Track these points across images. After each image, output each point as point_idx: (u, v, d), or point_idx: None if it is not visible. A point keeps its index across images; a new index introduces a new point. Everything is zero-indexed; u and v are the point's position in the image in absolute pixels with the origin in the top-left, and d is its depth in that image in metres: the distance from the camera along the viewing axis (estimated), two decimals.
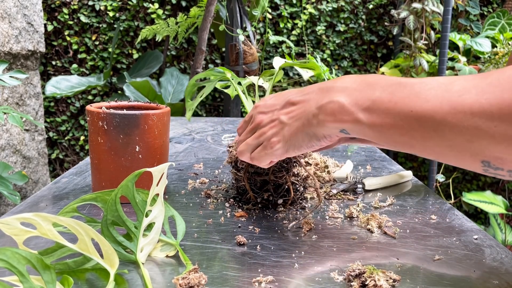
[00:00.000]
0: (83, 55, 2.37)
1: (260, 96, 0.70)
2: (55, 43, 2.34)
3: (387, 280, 0.43)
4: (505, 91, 0.35)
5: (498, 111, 0.35)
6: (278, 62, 0.74)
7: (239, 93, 0.70)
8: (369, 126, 0.43)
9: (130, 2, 2.35)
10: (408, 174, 0.83)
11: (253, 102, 0.69)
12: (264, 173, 0.63)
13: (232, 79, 0.70)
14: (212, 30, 2.27)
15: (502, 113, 0.35)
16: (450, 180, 2.34)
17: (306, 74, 0.74)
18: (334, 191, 0.73)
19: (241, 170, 0.65)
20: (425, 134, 0.40)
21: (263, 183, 0.65)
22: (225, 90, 0.77)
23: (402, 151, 0.44)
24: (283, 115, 0.51)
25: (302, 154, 0.64)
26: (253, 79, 0.74)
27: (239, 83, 0.72)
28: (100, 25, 2.36)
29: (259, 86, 0.72)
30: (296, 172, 0.66)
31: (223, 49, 2.38)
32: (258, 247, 0.52)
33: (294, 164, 0.64)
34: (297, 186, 0.67)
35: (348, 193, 0.74)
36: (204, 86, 0.75)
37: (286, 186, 0.65)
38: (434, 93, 0.39)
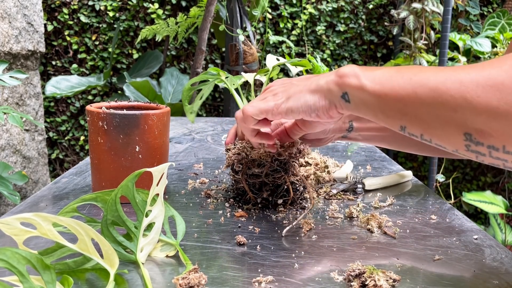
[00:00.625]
0: (83, 55, 2.37)
1: (256, 95, 0.71)
2: (55, 43, 2.34)
3: (387, 280, 0.43)
4: (494, 68, 0.39)
5: (484, 82, 0.38)
6: (270, 60, 0.75)
7: (233, 92, 0.70)
8: (370, 93, 0.46)
9: (130, 2, 2.35)
10: (408, 174, 0.83)
11: (248, 100, 0.69)
12: (262, 175, 0.63)
13: (227, 77, 0.70)
14: (212, 30, 2.27)
15: (487, 84, 0.38)
16: (450, 180, 2.34)
17: (294, 69, 0.75)
18: (334, 191, 0.73)
19: (239, 172, 0.65)
20: (417, 101, 0.43)
21: (261, 184, 0.65)
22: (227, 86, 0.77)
23: (394, 125, 0.46)
24: (295, 80, 0.55)
25: (301, 154, 0.64)
26: (248, 76, 0.74)
27: (233, 83, 0.72)
28: (100, 25, 2.36)
29: (257, 81, 0.73)
30: (295, 172, 0.66)
31: (223, 49, 2.38)
32: (258, 247, 0.52)
33: (293, 163, 0.64)
34: (297, 186, 0.67)
35: (348, 193, 0.74)
36: (201, 89, 0.75)
37: (286, 186, 0.65)
38: (435, 70, 0.44)
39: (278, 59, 0.74)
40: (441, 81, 0.41)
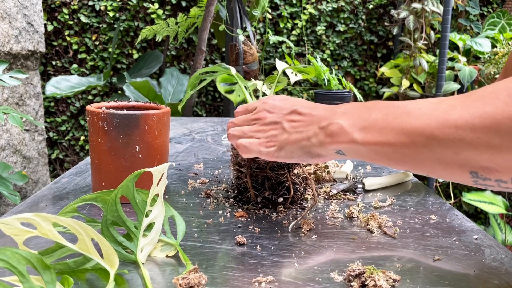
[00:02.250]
0: (83, 55, 2.37)
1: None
2: (55, 43, 2.34)
3: (387, 280, 0.43)
4: (487, 105, 0.38)
5: (480, 123, 0.38)
6: (280, 65, 0.75)
7: (246, 96, 0.70)
8: (363, 145, 0.46)
9: (130, 2, 2.35)
10: (408, 174, 0.83)
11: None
12: (265, 168, 0.63)
13: (238, 78, 0.70)
14: (212, 30, 2.27)
15: (484, 125, 0.37)
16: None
17: (293, 77, 0.75)
18: (334, 191, 0.73)
19: (244, 166, 0.65)
20: (415, 150, 0.42)
21: (264, 179, 0.64)
22: (228, 96, 0.76)
23: (397, 168, 0.47)
24: (287, 121, 0.54)
25: None
26: (258, 84, 0.74)
27: (245, 87, 0.72)
28: (100, 25, 2.36)
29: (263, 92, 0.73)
30: (296, 172, 0.66)
31: (223, 49, 2.38)
32: (258, 247, 0.52)
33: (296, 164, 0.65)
34: (298, 186, 0.67)
35: (348, 193, 0.74)
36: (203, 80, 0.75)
37: (287, 184, 0.65)
38: (423, 112, 0.42)
39: (289, 64, 0.74)
40: (436, 127, 0.40)
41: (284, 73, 0.75)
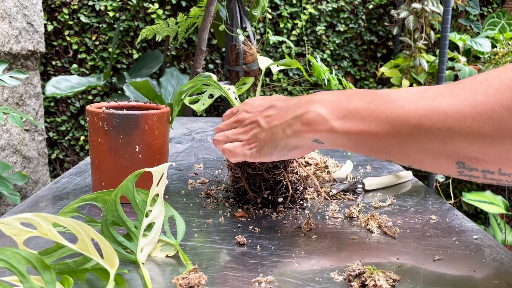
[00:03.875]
0: (83, 55, 2.37)
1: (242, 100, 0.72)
2: (55, 43, 2.34)
3: (387, 280, 0.43)
4: (478, 94, 0.36)
5: (472, 111, 0.36)
6: (264, 62, 0.75)
7: (232, 99, 0.70)
8: (343, 134, 0.44)
9: (130, 2, 2.35)
10: (408, 174, 0.83)
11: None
12: (261, 170, 0.63)
13: (216, 84, 0.71)
14: (212, 30, 2.27)
15: (476, 113, 0.36)
16: (450, 180, 2.34)
17: (275, 68, 0.76)
18: (334, 191, 0.73)
19: (239, 171, 0.65)
20: (400, 139, 0.41)
21: (261, 181, 0.65)
22: (192, 106, 0.76)
23: (378, 158, 0.45)
24: (262, 118, 0.53)
25: None
26: (231, 88, 0.74)
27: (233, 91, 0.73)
28: (100, 25, 2.36)
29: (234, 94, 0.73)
30: (295, 171, 0.66)
31: (223, 49, 2.38)
32: (258, 247, 0.52)
33: (291, 160, 0.65)
34: (297, 185, 0.67)
35: (348, 193, 0.74)
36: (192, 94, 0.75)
37: (285, 183, 0.65)
38: (409, 100, 0.40)
39: (271, 62, 0.75)
40: (423, 115, 0.39)
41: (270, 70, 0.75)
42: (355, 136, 0.44)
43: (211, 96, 0.76)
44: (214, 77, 0.70)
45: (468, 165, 0.38)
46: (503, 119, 0.35)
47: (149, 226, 0.50)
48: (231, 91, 0.72)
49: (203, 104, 0.76)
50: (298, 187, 0.67)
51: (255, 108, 0.55)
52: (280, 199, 0.65)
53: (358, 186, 0.76)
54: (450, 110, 0.37)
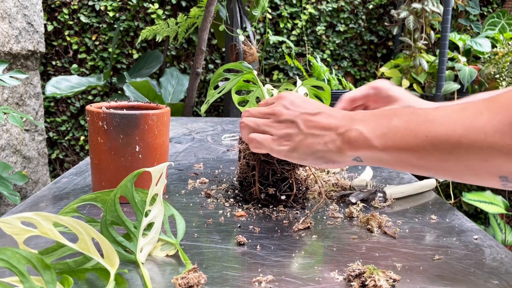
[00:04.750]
0: (83, 55, 2.37)
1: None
2: (55, 43, 2.34)
3: (387, 280, 0.43)
4: (511, 109, 0.37)
5: (510, 128, 0.37)
6: (302, 91, 0.74)
7: (264, 94, 0.69)
8: (385, 152, 0.45)
9: (130, 2, 2.35)
10: (432, 183, 0.78)
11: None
12: (273, 159, 0.63)
13: (257, 81, 0.70)
14: (212, 30, 2.27)
15: None
16: (450, 180, 2.34)
17: (302, 89, 0.74)
18: (354, 200, 0.69)
19: (253, 159, 0.64)
20: (441, 157, 0.41)
21: (269, 172, 0.64)
22: (241, 108, 0.75)
23: (420, 174, 0.46)
24: (304, 122, 0.52)
25: None
26: (274, 91, 0.73)
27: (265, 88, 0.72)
28: (100, 25, 2.36)
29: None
30: (298, 172, 0.66)
31: (223, 49, 2.38)
32: (258, 247, 0.52)
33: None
34: (300, 185, 0.67)
35: (370, 203, 0.70)
36: (226, 79, 0.74)
37: (290, 181, 0.65)
38: (447, 119, 0.41)
39: (306, 94, 0.73)
40: (462, 134, 0.39)
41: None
42: (396, 154, 0.45)
43: (258, 99, 0.74)
44: (255, 72, 0.69)
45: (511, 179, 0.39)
46: None
47: (149, 226, 0.50)
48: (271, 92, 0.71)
49: (250, 107, 0.75)
50: (301, 187, 0.67)
51: (296, 107, 0.53)
52: (283, 197, 0.65)
53: (379, 195, 0.72)
54: (490, 129, 0.38)
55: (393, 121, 0.45)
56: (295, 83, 0.73)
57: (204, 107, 0.74)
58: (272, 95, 0.72)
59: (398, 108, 0.48)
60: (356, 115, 0.49)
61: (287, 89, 0.76)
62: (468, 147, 0.39)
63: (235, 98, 0.74)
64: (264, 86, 0.72)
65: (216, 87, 0.72)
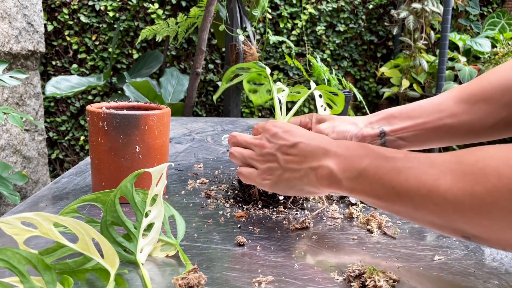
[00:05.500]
0: (83, 55, 2.37)
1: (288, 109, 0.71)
2: (55, 43, 2.34)
3: (387, 281, 0.43)
4: (477, 184, 0.36)
5: (470, 203, 0.37)
6: (319, 102, 0.75)
7: (275, 100, 0.69)
8: (355, 193, 0.47)
9: (130, 2, 2.35)
10: None
11: (280, 107, 0.70)
12: None
13: (269, 79, 0.70)
14: (212, 30, 2.27)
15: (474, 206, 0.36)
16: None
17: (322, 110, 0.74)
18: (353, 201, 0.69)
19: None
20: (407, 209, 0.42)
21: None
22: (252, 96, 0.76)
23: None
24: (282, 155, 0.53)
25: None
26: (284, 91, 0.73)
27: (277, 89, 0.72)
28: (100, 25, 2.36)
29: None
30: None
31: (223, 49, 2.38)
32: (258, 248, 0.52)
33: None
34: None
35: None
36: (238, 75, 0.75)
37: None
38: (413, 173, 0.41)
39: (321, 96, 0.74)
40: (425, 195, 0.40)
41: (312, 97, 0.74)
42: (365, 197, 0.46)
43: (268, 92, 0.75)
44: (268, 70, 0.69)
45: (474, 240, 0.39)
46: (500, 216, 0.35)
47: (149, 226, 0.50)
48: (281, 95, 0.71)
49: (261, 97, 0.76)
50: None
51: (276, 139, 0.54)
52: (281, 197, 0.65)
53: None
54: (450, 196, 0.38)
55: (363, 163, 0.46)
56: (295, 83, 0.73)
57: (216, 95, 0.75)
58: (282, 90, 0.72)
59: (372, 147, 0.48)
60: (330, 147, 0.50)
61: (298, 92, 0.76)
62: (431, 207, 0.39)
63: (246, 86, 0.75)
64: (276, 83, 0.72)
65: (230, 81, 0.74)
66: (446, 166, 0.39)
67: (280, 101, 0.70)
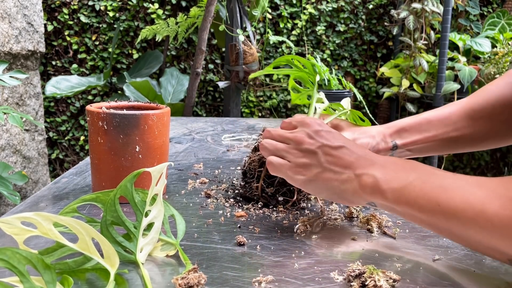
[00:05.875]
0: (83, 55, 2.37)
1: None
2: (55, 43, 2.34)
3: (387, 280, 0.43)
4: None
5: None
6: (346, 103, 0.76)
7: (312, 105, 0.69)
8: (397, 205, 0.46)
9: (130, 2, 2.35)
10: None
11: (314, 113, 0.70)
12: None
13: (312, 83, 0.71)
14: (212, 30, 2.27)
15: None
16: None
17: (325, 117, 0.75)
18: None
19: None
20: (451, 228, 0.42)
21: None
22: (292, 93, 0.76)
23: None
24: (324, 154, 0.51)
25: None
26: (323, 101, 0.72)
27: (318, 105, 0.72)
28: (100, 25, 2.36)
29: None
30: None
31: (223, 49, 2.38)
32: (258, 247, 0.52)
33: None
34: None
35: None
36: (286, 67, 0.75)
37: (292, 189, 0.64)
38: (460, 194, 0.41)
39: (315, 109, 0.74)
40: (472, 218, 0.40)
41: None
42: (408, 210, 0.45)
43: (309, 97, 0.75)
44: (317, 78, 0.70)
45: None
46: None
47: (149, 226, 0.50)
48: (319, 105, 0.71)
49: (300, 99, 0.77)
50: (302, 191, 0.67)
51: (319, 137, 0.53)
52: (281, 198, 0.65)
53: None
54: (496, 221, 0.38)
55: (410, 177, 0.45)
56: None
57: (253, 75, 0.77)
58: (322, 102, 0.72)
59: (418, 164, 0.48)
60: (377, 159, 0.49)
61: (335, 110, 0.75)
62: (478, 231, 0.40)
63: (292, 82, 0.76)
64: (318, 92, 0.72)
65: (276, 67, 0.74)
66: (493, 191, 0.40)
67: (315, 111, 0.70)
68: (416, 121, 0.66)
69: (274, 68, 0.73)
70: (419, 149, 0.67)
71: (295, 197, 0.64)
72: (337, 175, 0.50)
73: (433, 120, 0.65)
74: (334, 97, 1.19)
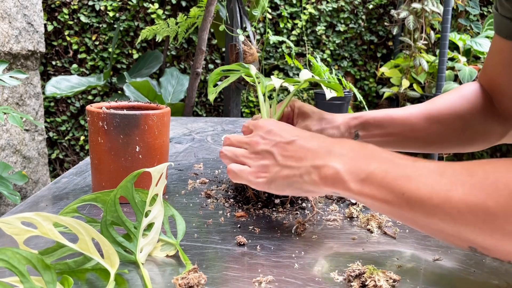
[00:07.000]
0: (83, 55, 2.37)
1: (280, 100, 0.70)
2: (55, 43, 2.34)
3: (387, 280, 0.43)
4: (489, 199, 0.37)
5: (483, 217, 0.37)
6: (305, 75, 0.73)
7: (259, 94, 0.68)
8: (361, 196, 0.46)
9: (130, 2, 2.35)
10: None
11: (270, 106, 0.68)
12: None
13: (257, 77, 0.69)
14: (212, 30, 2.27)
15: (487, 220, 0.37)
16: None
17: (329, 94, 0.73)
18: (353, 200, 0.68)
19: None
20: (416, 216, 0.42)
21: None
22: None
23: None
24: (279, 152, 0.51)
25: None
26: (275, 82, 0.72)
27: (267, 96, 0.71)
28: (100, 25, 2.36)
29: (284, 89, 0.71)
30: None
31: (223, 49, 2.38)
32: (258, 247, 0.52)
33: None
34: None
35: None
36: (227, 76, 0.74)
37: None
38: (424, 181, 0.41)
39: (313, 76, 0.72)
40: (437, 205, 0.40)
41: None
42: (371, 201, 0.45)
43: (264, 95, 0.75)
44: (253, 70, 0.68)
45: (480, 251, 0.40)
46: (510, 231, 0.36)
47: (149, 226, 0.50)
48: (277, 82, 0.69)
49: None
50: None
51: (271, 137, 0.53)
52: (277, 201, 0.65)
53: None
54: (463, 207, 0.38)
55: (371, 166, 0.45)
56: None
57: (212, 97, 0.75)
58: (273, 88, 0.72)
59: (377, 150, 0.48)
60: (334, 147, 0.49)
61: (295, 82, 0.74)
62: (442, 217, 0.40)
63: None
64: (270, 78, 0.71)
65: (215, 85, 0.73)
66: (456, 178, 0.40)
67: (268, 99, 0.70)
68: (380, 116, 0.70)
69: (214, 86, 0.73)
70: (376, 142, 0.67)
71: (289, 196, 0.64)
72: (294, 170, 0.50)
73: (395, 118, 0.69)
74: (334, 97, 1.19)
